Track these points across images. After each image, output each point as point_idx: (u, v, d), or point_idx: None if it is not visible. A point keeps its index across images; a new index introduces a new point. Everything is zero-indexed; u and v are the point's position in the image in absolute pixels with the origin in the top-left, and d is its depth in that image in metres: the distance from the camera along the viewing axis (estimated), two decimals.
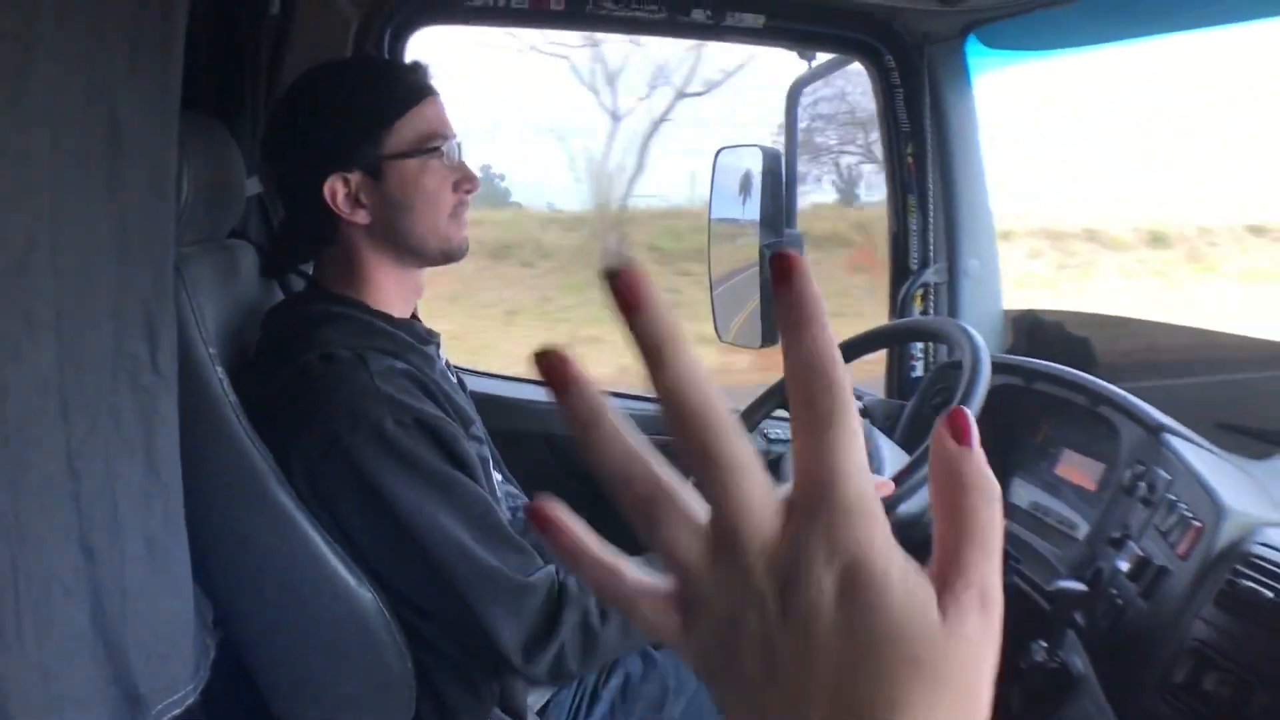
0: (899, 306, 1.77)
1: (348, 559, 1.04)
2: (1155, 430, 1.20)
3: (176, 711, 0.85)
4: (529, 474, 1.42)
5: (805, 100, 1.93)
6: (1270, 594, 0.92)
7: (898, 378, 1.82)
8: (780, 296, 0.28)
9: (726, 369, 3.47)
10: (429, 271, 1.22)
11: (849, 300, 4.94)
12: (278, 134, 1.20)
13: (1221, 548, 0.99)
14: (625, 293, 0.28)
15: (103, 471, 0.77)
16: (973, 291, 1.77)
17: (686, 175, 7.68)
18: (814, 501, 0.28)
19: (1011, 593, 1.21)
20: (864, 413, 1.49)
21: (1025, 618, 1.19)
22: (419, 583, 1.06)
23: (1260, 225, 7.07)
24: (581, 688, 1.28)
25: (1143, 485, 1.15)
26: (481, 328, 6.17)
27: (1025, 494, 1.42)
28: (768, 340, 1.81)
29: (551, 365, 0.29)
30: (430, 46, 1.75)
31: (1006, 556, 1.27)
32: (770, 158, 1.79)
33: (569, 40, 7.22)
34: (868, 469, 0.29)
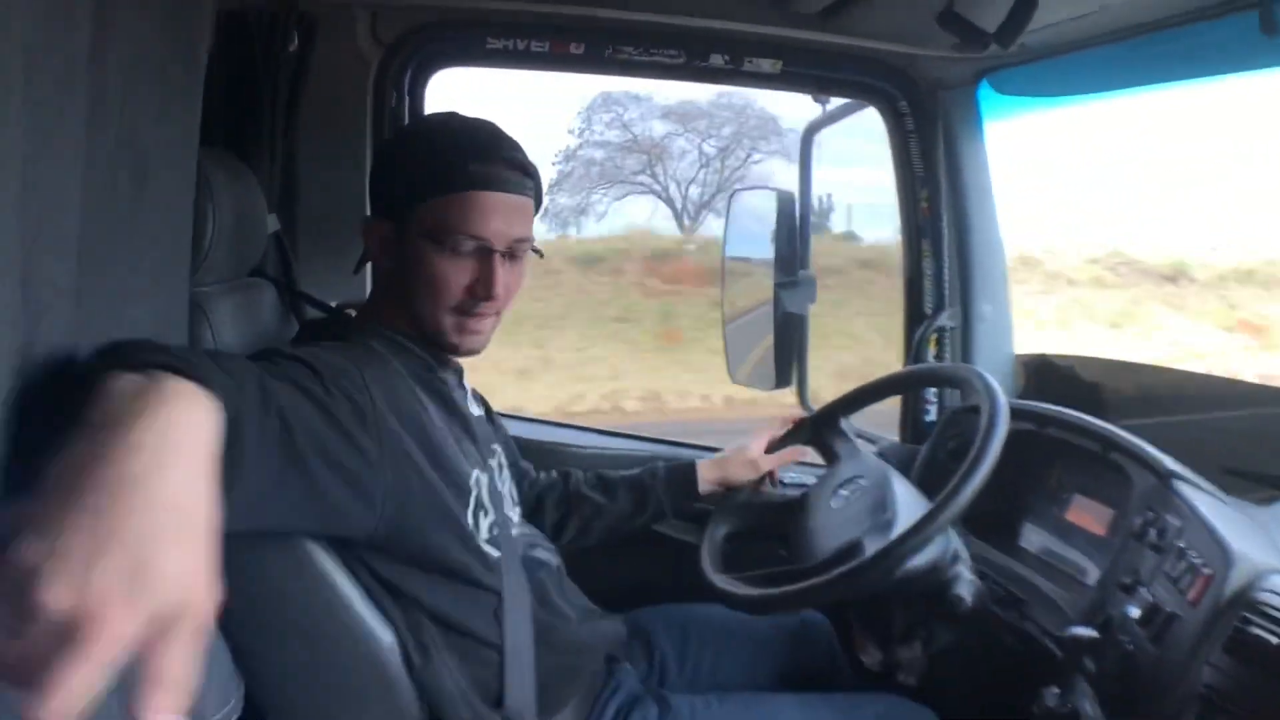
0: (914, 350, 1.78)
1: (368, 600, 1.03)
2: (1165, 477, 1.20)
3: None
4: None
5: None
6: (1276, 640, 0.92)
7: (911, 422, 1.82)
8: None
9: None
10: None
11: None
12: (381, 154, 1.25)
13: (1230, 595, 0.99)
14: None
15: None
16: (986, 335, 1.78)
17: None
18: None
19: (1023, 638, 1.22)
20: (881, 455, 1.51)
21: (1037, 663, 1.19)
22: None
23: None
24: None
25: (1153, 531, 1.15)
26: None
27: (1036, 539, 1.42)
28: (781, 382, 1.82)
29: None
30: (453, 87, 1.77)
31: (1017, 602, 1.28)
32: (785, 200, 1.82)
33: None
34: None
